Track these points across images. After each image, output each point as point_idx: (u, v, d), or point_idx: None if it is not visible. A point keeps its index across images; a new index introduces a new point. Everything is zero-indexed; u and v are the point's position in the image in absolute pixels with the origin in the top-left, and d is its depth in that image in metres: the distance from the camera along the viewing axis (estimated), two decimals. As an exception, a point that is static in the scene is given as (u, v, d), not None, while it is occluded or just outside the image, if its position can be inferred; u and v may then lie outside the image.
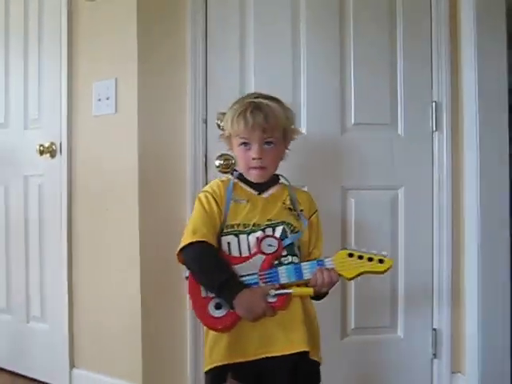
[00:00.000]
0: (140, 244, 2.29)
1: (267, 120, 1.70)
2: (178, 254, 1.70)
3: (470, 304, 2.40)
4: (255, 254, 1.65)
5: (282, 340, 1.63)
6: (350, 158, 2.39)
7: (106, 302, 2.45)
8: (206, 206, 1.73)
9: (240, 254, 1.68)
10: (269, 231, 1.69)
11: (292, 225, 1.73)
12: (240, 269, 1.64)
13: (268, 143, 1.73)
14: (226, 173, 2.26)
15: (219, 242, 1.71)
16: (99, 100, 2.42)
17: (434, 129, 2.45)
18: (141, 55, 2.29)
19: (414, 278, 2.46)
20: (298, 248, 1.74)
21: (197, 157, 2.31)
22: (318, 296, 1.68)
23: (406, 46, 2.44)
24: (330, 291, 1.67)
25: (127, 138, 2.33)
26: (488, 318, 2.35)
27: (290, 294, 1.60)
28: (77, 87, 2.52)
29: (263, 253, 1.64)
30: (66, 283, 2.55)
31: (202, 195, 1.78)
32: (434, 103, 2.45)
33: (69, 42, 2.52)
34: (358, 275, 1.60)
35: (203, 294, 1.64)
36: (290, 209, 1.76)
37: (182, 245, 1.68)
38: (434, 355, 2.47)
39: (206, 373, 1.68)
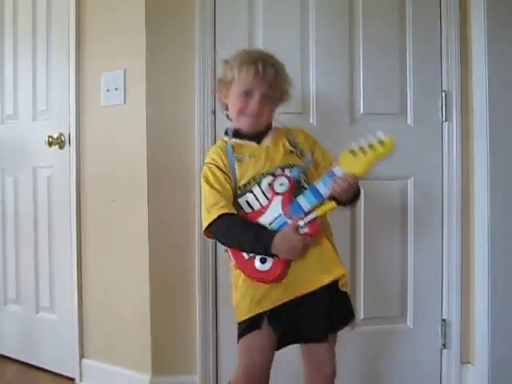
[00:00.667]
0: (149, 233, 2.31)
1: (276, 76, 1.77)
2: (204, 233, 1.77)
3: (479, 294, 2.40)
4: (271, 199, 1.71)
5: (309, 276, 1.70)
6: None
7: (115, 292, 2.47)
8: (214, 178, 1.76)
9: (260, 204, 1.73)
10: (278, 172, 1.75)
11: (298, 165, 1.78)
12: (264, 219, 1.69)
13: (268, 97, 1.79)
14: None
15: (238, 204, 1.76)
16: (108, 91, 2.42)
17: (444, 119, 2.45)
18: (149, 46, 2.30)
19: (423, 269, 2.46)
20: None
21: (205, 148, 2.29)
22: (350, 202, 1.74)
23: (415, 36, 2.43)
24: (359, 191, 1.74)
25: (136, 129, 2.34)
26: (497, 309, 2.34)
27: (316, 217, 1.64)
28: (85, 78, 2.53)
29: (278, 194, 1.69)
30: (75, 274, 2.57)
31: (206, 169, 1.81)
32: (443, 93, 2.44)
33: (77, 32, 2.53)
34: (369, 167, 1.63)
35: (246, 256, 1.70)
36: (291, 151, 1.81)
37: (205, 225, 1.74)
38: (444, 346, 2.48)
39: (239, 323, 1.76)
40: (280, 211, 1.68)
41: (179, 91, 2.33)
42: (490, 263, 2.34)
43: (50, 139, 2.60)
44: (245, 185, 1.75)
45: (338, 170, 1.64)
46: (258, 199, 1.74)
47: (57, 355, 2.70)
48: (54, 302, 2.74)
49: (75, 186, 2.55)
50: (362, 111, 2.42)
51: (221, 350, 2.34)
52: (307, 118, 2.36)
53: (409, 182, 2.46)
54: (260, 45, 2.32)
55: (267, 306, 1.71)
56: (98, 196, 2.52)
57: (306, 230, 1.64)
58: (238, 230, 1.71)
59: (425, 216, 2.46)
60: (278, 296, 1.70)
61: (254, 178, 1.75)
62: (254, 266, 1.68)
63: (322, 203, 1.67)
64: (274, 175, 1.74)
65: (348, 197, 1.68)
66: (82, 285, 2.57)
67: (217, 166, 1.78)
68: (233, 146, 1.81)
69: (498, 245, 2.34)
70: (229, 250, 1.76)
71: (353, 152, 1.61)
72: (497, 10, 2.34)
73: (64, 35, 2.59)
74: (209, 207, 1.73)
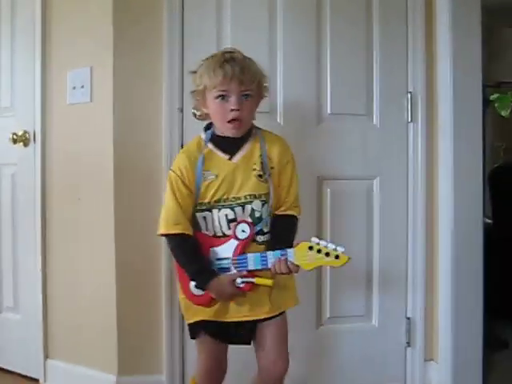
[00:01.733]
0: (115, 232, 2.31)
1: (243, 71, 1.74)
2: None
3: (443, 292, 2.44)
4: (229, 238, 1.77)
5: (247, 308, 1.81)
6: (326, 147, 2.42)
7: (81, 291, 2.45)
8: (177, 191, 1.80)
9: (214, 230, 1.79)
10: (238, 210, 1.77)
11: (262, 195, 1.79)
12: (215, 252, 1.78)
13: (245, 96, 1.76)
14: None
15: (194, 216, 1.82)
16: (74, 88, 2.41)
17: (410, 119, 2.48)
18: (116, 43, 2.29)
19: (388, 268, 2.50)
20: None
21: (173, 146, 2.30)
22: None
23: (382, 37, 2.47)
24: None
25: (102, 127, 2.33)
26: (461, 307, 2.39)
27: (252, 282, 1.74)
28: (51, 75, 2.51)
29: (237, 238, 1.76)
30: (39, 273, 2.54)
31: (172, 175, 1.82)
32: (409, 94, 2.48)
33: (43, 29, 2.50)
34: (315, 267, 1.69)
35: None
36: (259, 175, 1.79)
37: (160, 232, 1.82)
38: (408, 344, 2.52)
39: (190, 324, 1.90)
40: (230, 255, 1.76)
41: (146, 89, 2.33)
42: (453, 262, 2.39)
43: (15, 136, 2.57)
44: (204, 203, 1.80)
45: (290, 254, 1.70)
46: (213, 223, 1.80)
47: (21, 356, 2.67)
48: (18, 301, 2.71)
49: (40, 184, 2.52)
50: (329, 111, 2.44)
51: (187, 348, 2.35)
52: (274, 118, 2.38)
53: (375, 182, 2.49)
54: (228, 44, 2.28)
55: (202, 316, 1.83)
56: (63, 194, 2.50)
57: (241, 285, 1.74)
58: (186, 258, 1.81)
59: (390, 216, 2.50)
60: (209, 312, 1.82)
61: (216, 201, 1.79)
62: (189, 285, 1.81)
63: (265, 270, 1.74)
64: (232, 209, 1.77)
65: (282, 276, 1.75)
66: (46, 285, 2.54)
67: (182, 180, 1.80)
68: (204, 156, 1.81)
69: (461, 244, 2.39)
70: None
71: (311, 248, 1.67)
72: (462, 11, 2.39)
73: (29, 31, 2.56)
74: (167, 217, 1.80)
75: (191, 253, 1.78)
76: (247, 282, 1.73)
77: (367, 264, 2.49)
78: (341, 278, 2.43)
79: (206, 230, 1.81)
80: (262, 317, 1.81)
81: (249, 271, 1.74)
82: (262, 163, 1.81)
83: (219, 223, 1.79)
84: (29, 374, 2.64)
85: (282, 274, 1.71)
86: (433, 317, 2.51)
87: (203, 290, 1.77)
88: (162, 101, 2.32)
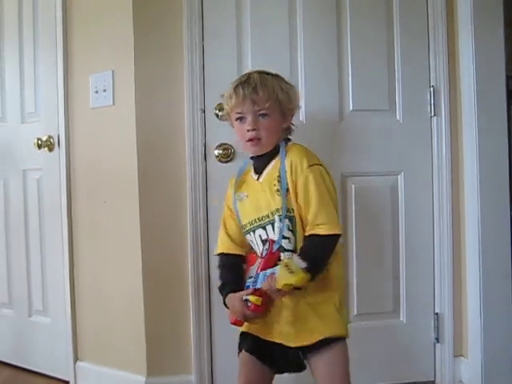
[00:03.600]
0: (141, 235, 2.34)
1: (256, 91, 1.78)
2: None
3: (471, 286, 2.44)
4: (259, 257, 1.82)
5: (287, 332, 1.79)
6: (349, 144, 2.43)
7: (109, 294, 2.49)
8: (224, 214, 1.95)
9: (254, 251, 1.86)
10: (269, 228, 1.80)
11: (285, 208, 1.76)
12: (250, 270, 1.83)
13: (262, 115, 1.80)
14: (225, 162, 2.33)
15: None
16: (96, 92, 2.45)
17: (433, 114, 2.49)
18: (137, 46, 2.32)
19: (415, 263, 2.51)
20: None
21: (195, 147, 2.34)
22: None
23: (402, 31, 2.47)
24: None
25: (125, 130, 2.37)
26: (490, 301, 2.39)
27: (248, 300, 1.73)
28: (73, 80, 2.56)
29: (261, 256, 1.80)
30: (67, 276, 2.59)
31: (224, 205, 1.98)
32: (431, 88, 2.48)
33: (64, 33, 2.55)
34: (284, 286, 1.65)
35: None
36: (277, 190, 1.79)
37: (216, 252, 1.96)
38: (437, 339, 2.52)
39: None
40: (254, 274, 1.79)
41: (168, 91, 2.35)
42: (481, 256, 2.38)
43: (39, 142, 2.63)
44: (245, 225, 1.88)
45: (277, 272, 1.69)
46: (252, 244, 1.87)
47: (51, 358, 2.72)
48: (47, 304, 2.76)
49: (65, 188, 2.57)
50: (351, 108, 2.45)
51: (215, 348, 2.38)
52: (297, 117, 2.33)
53: (399, 178, 2.50)
54: (248, 43, 2.37)
55: (245, 328, 1.86)
56: (88, 198, 2.54)
57: (249, 304, 1.72)
58: (219, 275, 1.91)
59: (415, 211, 2.50)
60: (252, 327, 1.84)
61: (250, 223, 1.85)
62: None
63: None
64: (264, 228, 1.81)
65: (276, 295, 1.72)
66: (74, 287, 2.59)
67: (227, 204, 1.95)
68: (239, 180, 1.91)
69: (488, 238, 2.38)
70: None
71: (286, 264, 1.67)
72: (483, 5, 2.38)
73: (51, 36, 2.61)
74: (219, 238, 1.95)
75: (222, 270, 1.89)
76: (246, 301, 1.73)
77: (393, 260, 2.50)
78: (367, 274, 2.44)
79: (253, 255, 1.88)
80: (291, 345, 1.79)
81: (256, 289, 1.72)
82: (278, 177, 1.80)
83: (256, 244, 1.85)
84: (59, 376, 2.69)
85: (271, 291, 1.69)
86: (461, 311, 2.50)
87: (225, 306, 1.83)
88: (183, 102, 2.34)
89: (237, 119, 1.83)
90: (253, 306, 1.70)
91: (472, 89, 2.39)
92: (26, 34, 2.79)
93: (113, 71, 2.41)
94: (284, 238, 1.76)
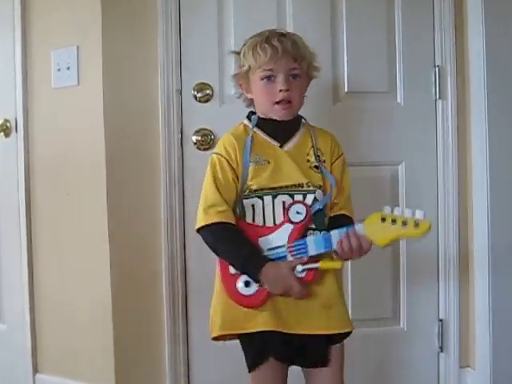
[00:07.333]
0: (109, 232, 2.31)
1: (296, 47, 1.73)
2: (197, 231, 1.75)
3: (479, 291, 2.42)
4: (282, 223, 1.69)
5: (322, 319, 1.71)
6: (344, 130, 2.33)
7: (73, 297, 2.45)
8: (220, 174, 1.74)
9: (264, 219, 1.72)
10: (298, 197, 1.72)
11: (322, 186, 1.75)
12: (266, 241, 1.69)
13: (294, 76, 1.74)
14: (204, 150, 2.30)
15: (241, 204, 1.75)
16: (59, 70, 2.40)
17: (438, 96, 2.47)
18: (105, 19, 2.28)
19: (417, 264, 2.48)
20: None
21: (171, 132, 2.31)
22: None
23: (404, 5, 2.44)
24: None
25: (92, 113, 2.33)
26: (499, 307, 2.37)
27: (317, 268, 1.63)
28: (32, 56, 2.51)
29: (291, 222, 1.68)
30: (25, 278, 2.55)
31: (215, 159, 1.77)
32: (436, 68, 2.47)
33: (22, 3, 2.49)
34: (391, 242, 1.59)
35: (231, 271, 1.70)
36: (316, 167, 1.77)
37: (198, 225, 1.73)
38: (441, 348, 2.52)
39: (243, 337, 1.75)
40: (285, 242, 1.67)
41: (140, 70, 2.32)
42: (490, 257, 2.36)
43: (-6, 126, 2.58)
44: (255, 189, 1.74)
45: (359, 229, 1.62)
46: (264, 212, 1.73)
47: (6, 370, 2.67)
48: (2, 309, 2.74)
49: (24, 178, 2.53)
50: (346, 89, 2.43)
51: (192, 358, 2.36)
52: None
53: (400, 168, 2.48)
54: (230, 17, 2.33)
55: (263, 326, 1.70)
56: (50, 190, 2.50)
57: (302, 274, 1.63)
58: (233, 245, 1.70)
59: (418, 205, 2.36)
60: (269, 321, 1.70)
61: (269, 189, 1.73)
62: (236, 285, 1.69)
63: (329, 253, 1.68)
64: (292, 196, 1.72)
65: (350, 258, 1.67)
66: (33, 290, 2.55)
67: (228, 160, 1.75)
68: (252, 138, 1.77)
69: (499, 237, 2.36)
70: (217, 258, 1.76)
71: (383, 219, 1.58)
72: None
73: (7, 6, 2.55)
74: (206, 207, 1.72)
75: (239, 238, 1.70)
76: (310, 269, 1.62)
77: (393, 261, 2.48)
78: (363, 274, 2.40)
79: (253, 220, 1.75)
80: (323, 332, 1.72)
81: (310, 257, 1.64)
82: (314, 155, 1.79)
83: (273, 211, 1.72)
84: (16, 389, 2.65)
85: (351, 256, 1.63)
86: (468, 318, 2.50)
87: (256, 279, 1.65)
88: (157, 82, 2.31)
89: (263, 78, 1.74)
90: (309, 276, 1.62)
91: (482, 68, 2.36)
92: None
93: (77, 47, 2.36)
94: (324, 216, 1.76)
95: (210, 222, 1.70)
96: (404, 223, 1.54)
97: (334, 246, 1.63)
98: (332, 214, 1.80)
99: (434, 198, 2.49)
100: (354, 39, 2.42)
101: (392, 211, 1.56)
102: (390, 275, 2.49)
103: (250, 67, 1.76)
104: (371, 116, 2.45)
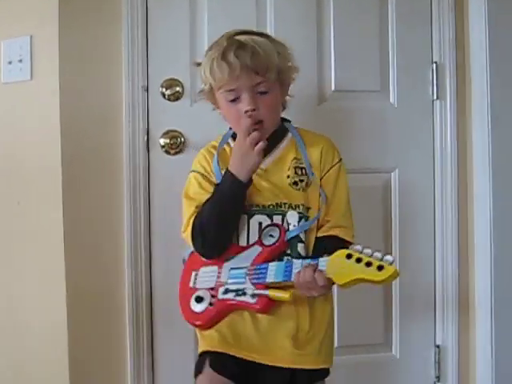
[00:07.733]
0: (65, 246, 2.19)
1: (257, 58, 1.61)
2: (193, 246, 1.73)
3: (481, 315, 2.39)
4: (252, 245, 1.67)
5: (287, 351, 1.65)
6: (330, 132, 2.15)
7: (24, 316, 2.34)
8: (198, 195, 1.71)
9: (237, 240, 1.69)
10: (277, 218, 1.68)
11: (300, 205, 1.68)
12: (232, 261, 1.67)
13: (261, 93, 1.65)
14: (173, 154, 2.23)
15: None
16: (9, 63, 2.30)
17: (435, 96, 2.43)
18: (63, 5, 2.17)
19: (411, 282, 2.41)
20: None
21: (135, 134, 2.22)
22: None
23: (399, -4, 2.42)
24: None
25: (46, 111, 2.23)
26: (503, 332, 2.34)
27: (267, 296, 1.59)
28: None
29: (262, 244, 1.65)
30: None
31: (191, 177, 1.76)
32: (434, 64, 2.42)
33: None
34: (352, 282, 1.50)
35: (191, 284, 1.71)
36: (295, 183, 1.70)
37: (190, 242, 1.70)
38: (438, 378, 2.46)
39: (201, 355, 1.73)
40: (247, 265, 1.64)
41: (101, 63, 2.24)
42: (493, 276, 2.33)
43: None
44: None
45: (322, 264, 1.53)
46: (238, 232, 1.70)
47: None
48: None
49: (-33, 186, 2.43)
50: (333, 88, 2.37)
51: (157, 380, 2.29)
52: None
53: (393, 176, 2.43)
54: (204, 4, 2.25)
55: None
56: (-3, 198, 2.42)
57: (253, 301, 1.61)
58: (209, 204, 1.66)
59: (413, 216, 2.44)
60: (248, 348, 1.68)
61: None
62: (189, 300, 1.69)
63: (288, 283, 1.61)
64: (270, 217, 1.67)
65: (306, 295, 1.58)
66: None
67: (206, 176, 1.74)
68: (220, 153, 1.74)
69: (502, 253, 2.34)
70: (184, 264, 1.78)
71: (349, 256, 1.49)
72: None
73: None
74: (187, 221, 1.71)
75: (207, 202, 1.67)
76: (260, 296, 1.58)
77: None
78: (352, 294, 2.23)
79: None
80: (288, 365, 1.64)
81: (267, 284, 1.59)
82: (295, 168, 1.72)
83: (247, 231, 1.68)
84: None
85: (308, 291, 1.54)
86: (468, 344, 2.45)
87: (237, 181, 1.61)
88: (121, 77, 2.23)
89: (230, 100, 1.66)
90: (260, 304, 1.59)
91: (484, 65, 2.33)
92: None
93: (31, 37, 2.26)
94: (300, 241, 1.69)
95: (191, 226, 1.69)
96: (368, 264, 1.46)
97: (293, 277, 1.56)
98: (319, 235, 1.72)
99: (431, 208, 2.44)
100: (343, 31, 2.36)
101: (361, 251, 1.48)
102: (382, 296, 2.42)
103: (210, 86, 1.71)
104: (361, 118, 2.39)
